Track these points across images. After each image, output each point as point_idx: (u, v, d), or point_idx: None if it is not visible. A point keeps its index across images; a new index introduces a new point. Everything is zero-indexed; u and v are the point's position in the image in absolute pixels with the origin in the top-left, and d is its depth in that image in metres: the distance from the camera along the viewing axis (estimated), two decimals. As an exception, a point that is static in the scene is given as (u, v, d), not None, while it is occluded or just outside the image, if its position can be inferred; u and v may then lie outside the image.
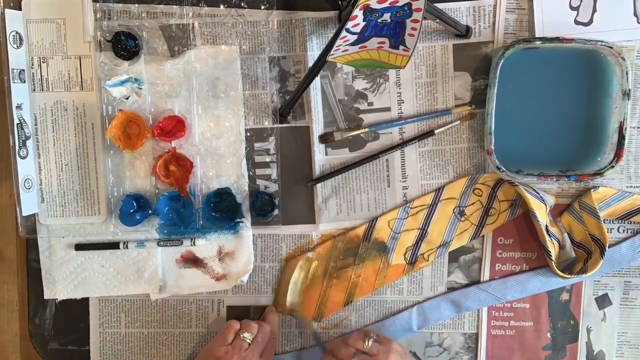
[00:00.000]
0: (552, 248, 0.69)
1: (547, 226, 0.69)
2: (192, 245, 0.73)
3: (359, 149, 0.72)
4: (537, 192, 0.70)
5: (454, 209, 0.72)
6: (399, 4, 0.56)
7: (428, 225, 0.72)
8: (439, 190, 0.72)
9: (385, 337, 0.66)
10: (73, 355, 0.75)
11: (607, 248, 0.68)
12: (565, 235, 0.72)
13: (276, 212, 0.72)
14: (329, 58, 0.58)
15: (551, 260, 0.69)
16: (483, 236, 0.73)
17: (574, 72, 0.69)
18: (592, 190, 0.70)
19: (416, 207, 0.72)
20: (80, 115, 0.72)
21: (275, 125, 0.72)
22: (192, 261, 0.73)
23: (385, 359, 0.62)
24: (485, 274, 0.73)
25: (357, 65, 0.61)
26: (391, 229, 0.72)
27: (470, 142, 0.72)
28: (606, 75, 0.68)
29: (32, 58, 0.71)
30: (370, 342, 0.64)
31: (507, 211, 0.72)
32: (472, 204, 0.72)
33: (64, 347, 0.75)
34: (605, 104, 0.69)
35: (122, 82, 0.69)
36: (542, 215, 0.69)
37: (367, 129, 0.72)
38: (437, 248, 0.72)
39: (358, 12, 0.55)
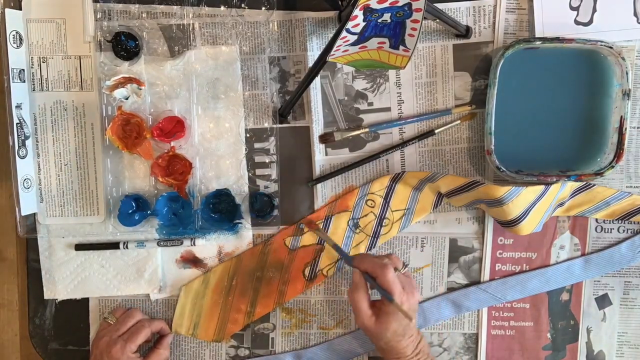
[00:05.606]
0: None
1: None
2: (192, 245, 0.73)
3: (359, 149, 0.72)
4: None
5: (348, 222, 0.72)
6: (399, 4, 0.56)
7: (324, 240, 0.72)
8: (332, 204, 0.72)
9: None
10: (73, 355, 0.75)
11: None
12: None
13: (275, 212, 0.72)
14: (329, 58, 0.58)
15: (482, 183, 0.66)
16: (483, 236, 0.73)
17: (574, 72, 0.69)
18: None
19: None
20: (80, 115, 0.72)
21: (275, 126, 0.72)
22: (192, 261, 0.73)
23: (411, 291, 0.63)
24: (485, 274, 0.73)
25: (357, 66, 0.61)
26: (288, 247, 0.73)
27: (470, 142, 0.72)
28: (606, 75, 0.68)
29: (32, 58, 0.71)
30: (405, 269, 0.67)
31: (400, 220, 0.72)
32: (366, 215, 0.72)
33: (64, 347, 0.75)
34: (605, 104, 0.69)
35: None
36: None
37: (367, 129, 0.72)
38: (335, 262, 0.73)
39: (358, 12, 0.55)
